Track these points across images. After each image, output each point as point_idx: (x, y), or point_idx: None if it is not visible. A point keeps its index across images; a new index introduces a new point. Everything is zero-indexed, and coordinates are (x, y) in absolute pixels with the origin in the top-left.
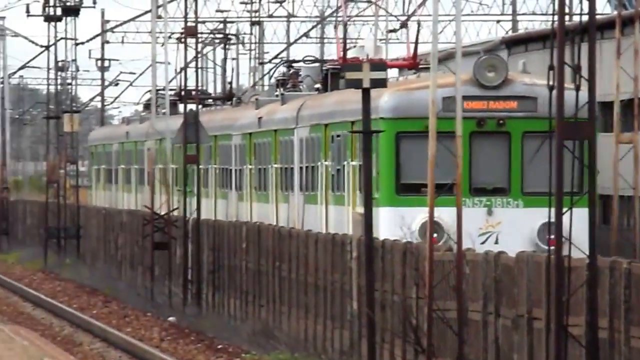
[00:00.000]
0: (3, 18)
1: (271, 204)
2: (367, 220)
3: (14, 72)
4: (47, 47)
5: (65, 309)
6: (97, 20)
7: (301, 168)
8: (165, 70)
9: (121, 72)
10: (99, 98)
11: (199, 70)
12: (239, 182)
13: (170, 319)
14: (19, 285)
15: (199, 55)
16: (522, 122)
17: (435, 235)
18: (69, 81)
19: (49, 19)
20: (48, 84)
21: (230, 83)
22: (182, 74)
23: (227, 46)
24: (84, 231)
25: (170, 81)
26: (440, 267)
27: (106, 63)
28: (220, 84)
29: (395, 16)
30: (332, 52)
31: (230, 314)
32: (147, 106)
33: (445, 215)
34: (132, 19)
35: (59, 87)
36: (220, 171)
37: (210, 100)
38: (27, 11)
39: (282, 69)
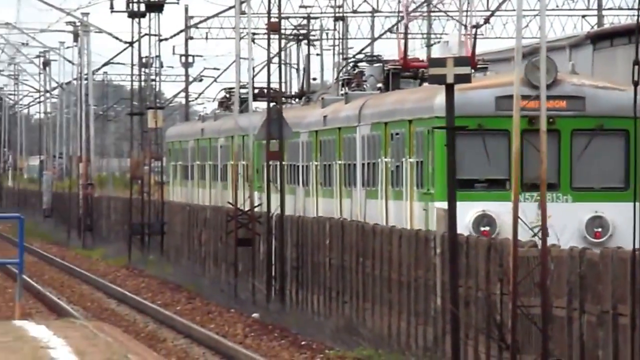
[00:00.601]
0: (87, 14)
1: (335, 199)
2: (451, 217)
3: (98, 69)
4: (131, 44)
5: (149, 305)
6: (180, 16)
7: (363, 164)
8: (248, 66)
9: (205, 68)
10: (183, 94)
11: (283, 66)
12: (305, 178)
13: (254, 315)
14: (103, 282)
15: (282, 51)
16: (571, 120)
17: (488, 228)
18: (152, 77)
19: (132, 15)
20: (132, 80)
21: (315, 79)
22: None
23: (310, 42)
24: (167, 227)
25: (254, 77)
26: (524, 263)
27: (190, 59)
28: (303, 80)
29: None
30: (415, 47)
31: (314, 310)
32: (221, 104)
33: (497, 209)
34: (216, 15)
35: (142, 83)
36: (288, 167)
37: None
38: (111, 7)
39: (348, 68)
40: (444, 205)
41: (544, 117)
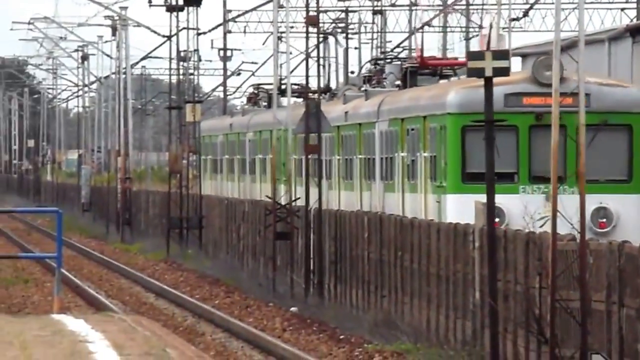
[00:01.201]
0: (125, 8)
1: (356, 191)
2: (490, 210)
3: (136, 63)
4: (169, 37)
5: (187, 299)
6: (219, 10)
7: (382, 159)
8: (287, 60)
9: (243, 62)
10: (221, 88)
11: (321, 60)
12: (329, 172)
13: (292, 309)
14: (142, 276)
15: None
16: (577, 116)
17: (497, 219)
18: (191, 71)
19: (170, 9)
20: (170, 74)
21: (353, 72)
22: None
23: (348, 35)
24: (206, 221)
25: (292, 71)
26: (563, 256)
27: (228, 53)
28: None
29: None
30: (454, 41)
31: (352, 304)
32: (249, 99)
33: (506, 201)
34: (254, 9)
35: (181, 77)
36: (313, 162)
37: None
38: (149, 1)
39: (369, 66)
40: (458, 197)
41: (582, 113)
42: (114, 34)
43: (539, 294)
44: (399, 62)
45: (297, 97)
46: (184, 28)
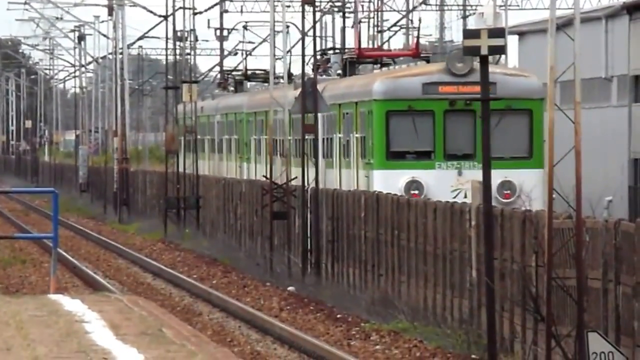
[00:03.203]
0: None
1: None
2: (486, 189)
3: (133, 43)
4: (166, 17)
5: (184, 279)
6: None
7: (324, 139)
8: (283, 39)
9: (240, 42)
10: (218, 68)
11: (318, 38)
12: (282, 151)
13: (290, 288)
14: (139, 256)
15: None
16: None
17: (417, 191)
18: (187, 51)
19: None
20: (167, 54)
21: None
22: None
23: (345, 15)
24: (203, 201)
25: (289, 50)
26: (559, 235)
27: (225, 32)
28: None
29: None
30: (452, 18)
31: (350, 283)
32: (219, 84)
33: (424, 176)
34: None
35: (177, 57)
36: (272, 141)
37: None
38: None
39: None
40: (383, 172)
41: (578, 88)
42: (110, 14)
43: (535, 272)
44: (340, 53)
45: (262, 82)
46: (181, 8)
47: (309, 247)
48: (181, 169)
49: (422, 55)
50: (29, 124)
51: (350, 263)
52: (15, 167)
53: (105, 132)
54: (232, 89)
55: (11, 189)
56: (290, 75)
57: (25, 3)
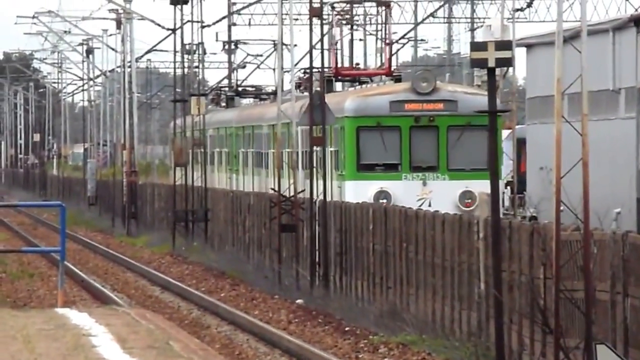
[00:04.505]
0: (130, 1)
1: (285, 178)
2: (495, 201)
3: (141, 56)
4: (174, 30)
5: (192, 292)
6: (223, 2)
7: (303, 152)
8: (290, 52)
9: (248, 54)
10: (226, 81)
11: (325, 52)
12: (267, 163)
13: (298, 301)
14: (147, 269)
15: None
16: (447, 118)
17: (385, 201)
18: (195, 64)
19: (175, 2)
20: (175, 67)
21: (358, 64)
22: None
23: (353, 27)
24: (211, 214)
25: (297, 63)
26: (567, 247)
27: (233, 45)
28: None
29: None
30: (460, 31)
31: (358, 295)
32: (212, 100)
33: (392, 186)
34: (259, 1)
35: (186, 70)
36: (256, 154)
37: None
38: None
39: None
40: (354, 183)
41: (585, 100)
42: (118, 28)
43: (543, 284)
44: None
45: (254, 97)
46: (189, 21)
47: (317, 259)
48: (189, 182)
49: (394, 74)
50: (37, 137)
51: (358, 275)
52: (24, 180)
53: (113, 145)
54: (223, 104)
55: (19, 202)
56: (275, 92)
57: (33, 17)
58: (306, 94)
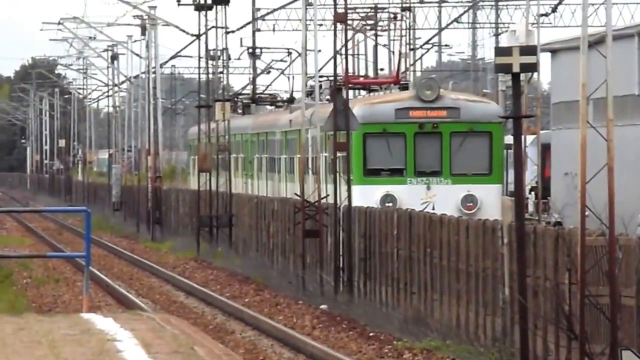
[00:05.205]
0: (154, 7)
1: (295, 182)
2: (519, 207)
3: (166, 62)
4: (198, 36)
5: (217, 297)
6: (247, 8)
7: (313, 158)
8: (314, 58)
9: (272, 60)
10: (250, 86)
11: (350, 57)
12: (279, 168)
13: (322, 306)
14: (172, 274)
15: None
16: (450, 125)
17: (391, 204)
18: (220, 70)
19: (199, 7)
20: (199, 73)
21: (382, 69)
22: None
23: (377, 33)
24: (236, 219)
25: (321, 69)
26: (592, 252)
27: (257, 51)
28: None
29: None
30: (484, 36)
31: (382, 301)
32: (230, 107)
33: (397, 190)
34: (283, 7)
35: (210, 75)
36: (269, 159)
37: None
38: (178, 1)
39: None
40: (361, 187)
41: (610, 105)
42: (143, 34)
43: (568, 289)
44: (329, 80)
45: (270, 104)
46: (213, 27)
47: (341, 265)
48: (214, 187)
49: (401, 82)
50: (62, 143)
51: (382, 281)
52: (49, 186)
53: (138, 151)
54: (240, 111)
55: (44, 208)
56: (292, 99)
57: (59, 23)
58: (325, 102)
